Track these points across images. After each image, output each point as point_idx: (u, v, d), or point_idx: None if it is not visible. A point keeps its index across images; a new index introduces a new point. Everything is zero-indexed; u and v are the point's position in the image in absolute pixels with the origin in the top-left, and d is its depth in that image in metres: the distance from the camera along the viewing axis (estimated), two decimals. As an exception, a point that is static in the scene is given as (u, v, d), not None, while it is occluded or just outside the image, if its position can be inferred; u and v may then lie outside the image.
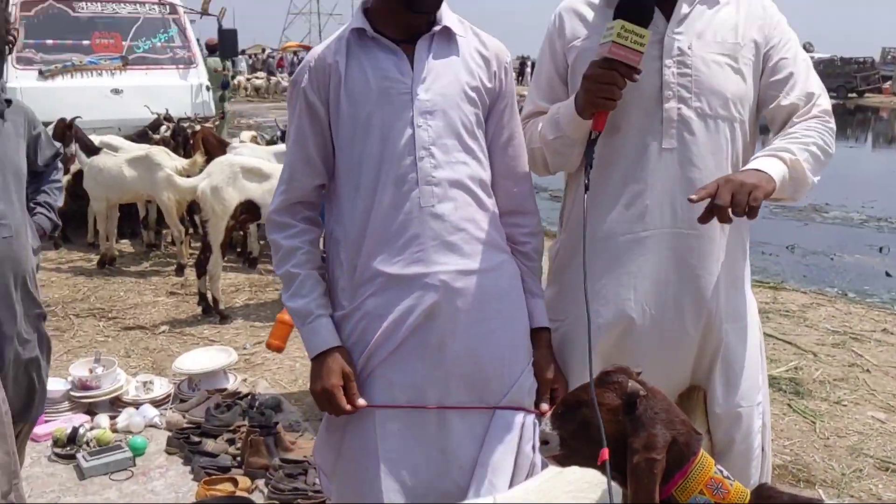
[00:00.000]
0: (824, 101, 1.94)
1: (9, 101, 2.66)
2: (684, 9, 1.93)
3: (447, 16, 1.91)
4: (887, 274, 7.86)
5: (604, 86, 1.82)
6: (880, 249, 9.04)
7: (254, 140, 8.35)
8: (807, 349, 5.22)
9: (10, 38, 2.56)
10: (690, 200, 1.67)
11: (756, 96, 1.98)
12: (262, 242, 7.10)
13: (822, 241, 9.35)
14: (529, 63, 38.40)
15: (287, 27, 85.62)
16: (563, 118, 1.95)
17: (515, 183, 2.00)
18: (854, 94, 36.08)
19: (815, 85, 1.95)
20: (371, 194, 1.85)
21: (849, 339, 5.45)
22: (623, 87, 1.83)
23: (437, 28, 1.89)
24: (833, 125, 1.92)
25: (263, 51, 45.99)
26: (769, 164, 1.77)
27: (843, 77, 36.00)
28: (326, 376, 1.85)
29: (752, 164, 1.78)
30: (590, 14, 2.02)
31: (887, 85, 38.26)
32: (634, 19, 1.80)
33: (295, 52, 35.55)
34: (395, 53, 1.86)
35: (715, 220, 1.70)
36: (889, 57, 41.00)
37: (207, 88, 9.05)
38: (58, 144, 3.03)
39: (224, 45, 10.58)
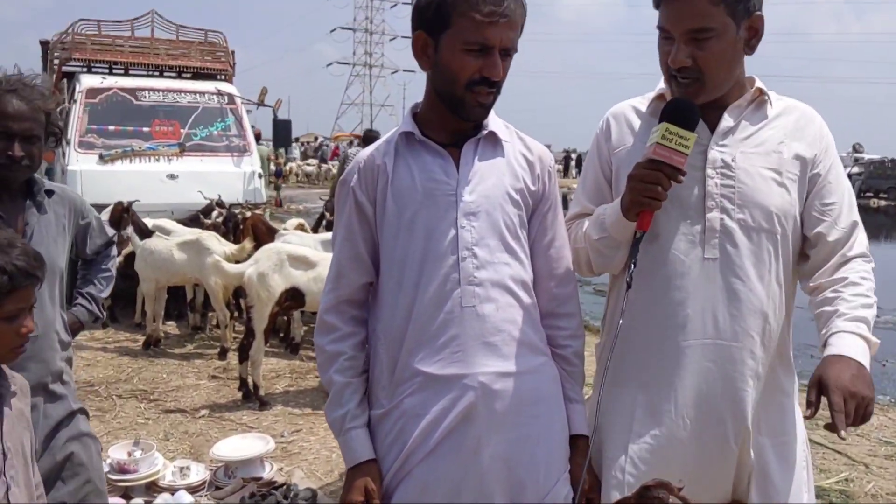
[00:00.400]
0: (863, 236, 1.97)
1: (50, 192, 2.63)
2: (729, 122, 1.95)
3: (493, 121, 1.96)
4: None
5: (648, 185, 1.85)
6: (933, 357, 8.80)
7: (300, 228, 8.49)
8: (858, 460, 5.03)
9: (56, 129, 2.58)
10: (842, 439, 1.68)
11: (800, 213, 1.98)
12: (304, 329, 7.15)
13: (874, 345, 9.12)
14: (574, 157, 38.80)
15: (339, 117, 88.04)
16: (608, 219, 1.97)
17: (557, 284, 2.00)
18: (905, 196, 35.71)
19: (856, 214, 1.97)
20: (413, 292, 1.87)
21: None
22: (668, 188, 1.85)
23: (483, 132, 1.94)
24: (873, 264, 1.95)
25: (316, 139, 47.21)
26: (862, 351, 1.76)
27: (895, 178, 35.74)
28: (351, 491, 1.86)
29: (848, 349, 1.75)
30: (636, 121, 2.06)
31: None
32: (679, 122, 1.83)
33: (350, 142, 36.39)
34: (442, 156, 1.91)
35: (754, 332, 1.81)
36: (940, 159, 40.59)
37: (260, 176, 9.28)
38: (111, 232, 3.05)
39: (278, 135, 10.89)
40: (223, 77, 10.08)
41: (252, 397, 5.70)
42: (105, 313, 5.23)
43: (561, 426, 1.94)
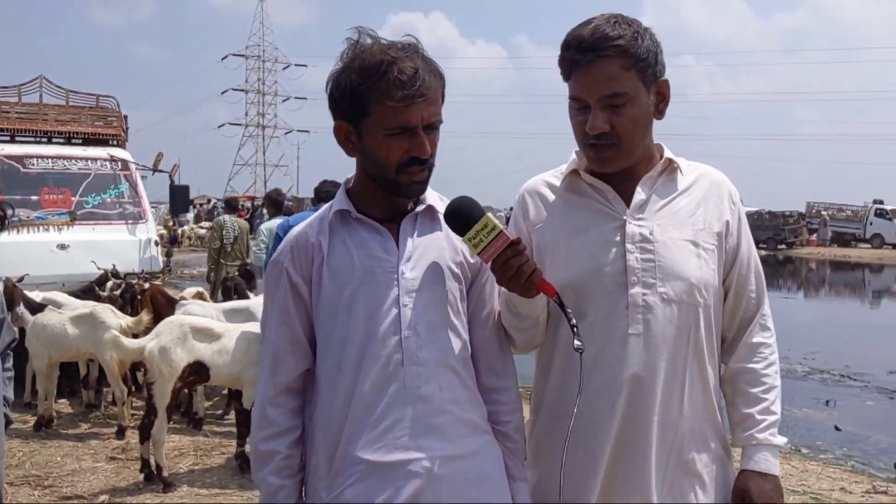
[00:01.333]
0: (766, 303, 2.07)
1: None
2: (642, 195, 1.97)
3: (430, 195, 1.93)
4: (836, 428, 7.92)
5: (511, 276, 1.80)
6: (826, 402, 9.15)
7: (199, 296, 8.23)
8: (769, 511, 5.13)
9: None
10: None
11: (720, 283, 2.01)
12: (208, 403, 6.87)
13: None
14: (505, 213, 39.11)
15: (232, 177, 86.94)
16: (515, 300, 1.92)
17: (495, 357, 1.97)
18: (784, 246, 37.55)
19: (763, 284, 2.07)
20: (354, 375, 1.80)
21: (809, 500, 5.40)
22: (525, 257, 1.80)
23: (420, 208, 1.90)
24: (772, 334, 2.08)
25: (209, 201, 46.31)
26: (775, 464, 1.99)
27: (772, 229, 37.57)
28: None
29: (764, 465, 1.98)
30: (551, 197, 2.06)
31: (813, 237, 40.00)
32: (465, 225, 1.80)
33: (242, 205, 35.82)
34: (380, 233, 1.86)
35: (673, 402, 1.93)
36: (814, 210, 42.99)
37: (156, 243, 8.98)
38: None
39: (175, 201, 10.62)
40: (116, 142, 9.80)
41: (155, 479, 5.40)
42: None
43: None
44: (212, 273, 10.54)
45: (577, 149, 2.03)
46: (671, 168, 2.02)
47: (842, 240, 40.06)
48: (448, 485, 1.78)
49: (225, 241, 10.35)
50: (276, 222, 8.72)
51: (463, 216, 1.81)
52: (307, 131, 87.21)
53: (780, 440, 1.99)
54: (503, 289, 1.94)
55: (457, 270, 1.90)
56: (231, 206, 12.38)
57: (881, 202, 40.60)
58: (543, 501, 1.97)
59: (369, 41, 1.82)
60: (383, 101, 1.76)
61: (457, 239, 1.89)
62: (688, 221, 1.97)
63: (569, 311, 1.85)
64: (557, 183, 2.07)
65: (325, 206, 1.97)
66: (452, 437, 1.81)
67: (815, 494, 5.51)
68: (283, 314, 1.87)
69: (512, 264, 1.79)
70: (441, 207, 1.93)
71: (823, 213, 42.31)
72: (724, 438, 2.05)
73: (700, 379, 1.95)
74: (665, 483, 1.94)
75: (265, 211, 10.65)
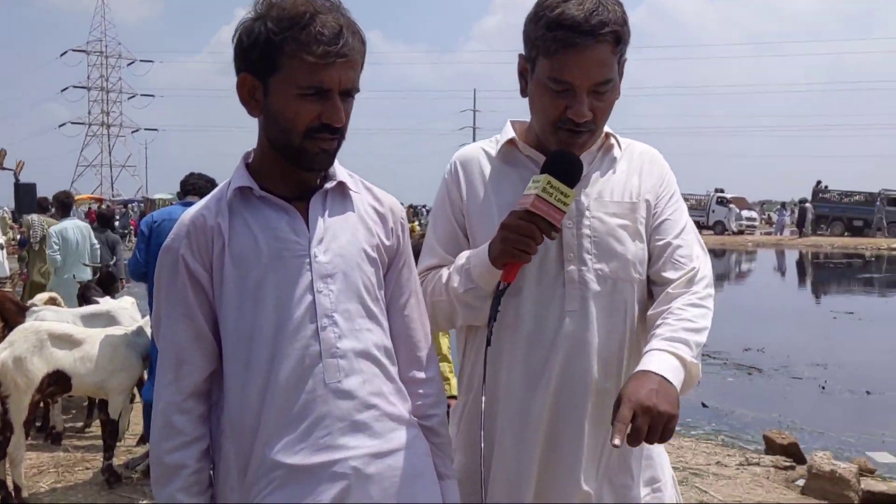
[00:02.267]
0: (705, 266, 1.90)
1: None
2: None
3: (339, 170, 1.76)
4: (703, 405, 8.21)
5: (521, 238, 1.74)
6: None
7: (52, 301, 7.64)
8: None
9: None
10: (615, 446, 1.53)
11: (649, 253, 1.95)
12: (66, 416, 6.39)
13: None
14: (425, 211, 38.61)
15: (76, 179, 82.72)
16: (474, 269, 1.83)
17: (416, 347, 1.83)
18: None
19: (698, 248, 1.93)
20: (266, 372, 1.61)
21: (689, 475, 5.54)
22: (540, 243, 1.76)
23: (330, 184, 1.73)
24: (713, 293, 1.88)
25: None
26: (670, 368, 1.66)
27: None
28: None
29: (654, 365, 1.65)
30: (487, 167, 1.96)
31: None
32: (562, 178, 1.74)
33: (89, 206, 34.11)
34: (287, 212, 1.68)
35: (609, 384, 1.82)
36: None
37: (1, 247, 8.31)
38: None
39: (21, 200, 9.87)
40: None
41: (13, 500, 4.94)
42: None
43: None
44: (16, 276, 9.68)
45: (513, 119, 1.95)
46: (608, 143, 1.96)
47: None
48: (378, 484, 1.63)
49: (32, 241, 9.62)
50: (66, 224, 8.32)
51: (570, 168, 1.77)
52: (156, 129, 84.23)
53: (688, 353, 1.70)
54: (460, 257, 1.88)
55: (373, 254, 1.75)
56: (42, 205, 11.40)
57: (722, 190, 42.86)
58: (473, 486, 1.88)
59: None
60: (300, 55, 1.58)
61: (373, 221, 1.76)
62: (623, 197, 1.91)
63: (500, 309, 1.80)
64: (493, 152, 1.97)
65: (220, 186, 1.76)
66: (379, 433, 1.66)
67: (693, 470, 5.66)
68: (184, 307, 1.66)
69: (535, 236, 1.73)
70: (352, 185, 1.78)
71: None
72: None
73: (636, 355, 1.88)
74: (601, 465, 1.87)
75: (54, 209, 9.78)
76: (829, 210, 38.70)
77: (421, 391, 1.81)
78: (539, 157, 1.88)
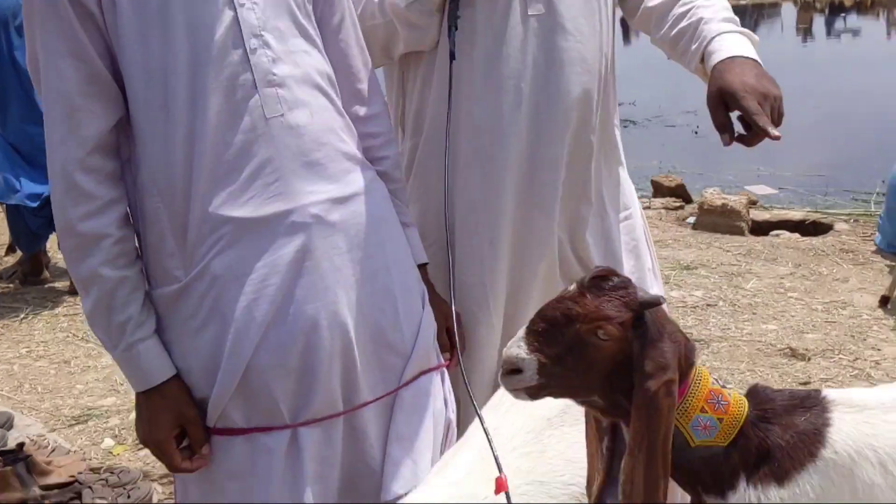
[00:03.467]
0: None
1: None
2: None
3: None
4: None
5: None
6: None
7: None
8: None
9: None
10: (726, 144, 1.40)
11: None
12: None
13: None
14: None
15: None
16: None
17: (356, 77, 1.54)
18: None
19: None
20: (189, 112, 1.31)
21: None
22: None
23: None
24: None
25: None
26: (752, 50, 1.51)
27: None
28: (154, 426, 1.35)
29: (736, 48, 1.49)
30: None
31: None
32: None
33: None
34: None
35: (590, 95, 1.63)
36: None
37: None
38: None
39: None
40: None
41: None
42: None
43: (406, 252, 1.55)
44: None
45: None
46: None
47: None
48: (343, 233, 1.40)
49: None
50: None
51: None
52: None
53: (752, 34, 1.58)
54: None
55: None
56: None
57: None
58: (433, 237, 1.69)
59: None
60: None
61: None
62: None
63: (459, 15, 1.57)
64: None
65: None
66: (337, 175, 1.41)
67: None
68: (69, 43, 1.29)
69: None
70: None
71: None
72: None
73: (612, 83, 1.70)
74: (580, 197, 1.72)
75: None
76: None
77: (368, 130, 1.55)
78: None
